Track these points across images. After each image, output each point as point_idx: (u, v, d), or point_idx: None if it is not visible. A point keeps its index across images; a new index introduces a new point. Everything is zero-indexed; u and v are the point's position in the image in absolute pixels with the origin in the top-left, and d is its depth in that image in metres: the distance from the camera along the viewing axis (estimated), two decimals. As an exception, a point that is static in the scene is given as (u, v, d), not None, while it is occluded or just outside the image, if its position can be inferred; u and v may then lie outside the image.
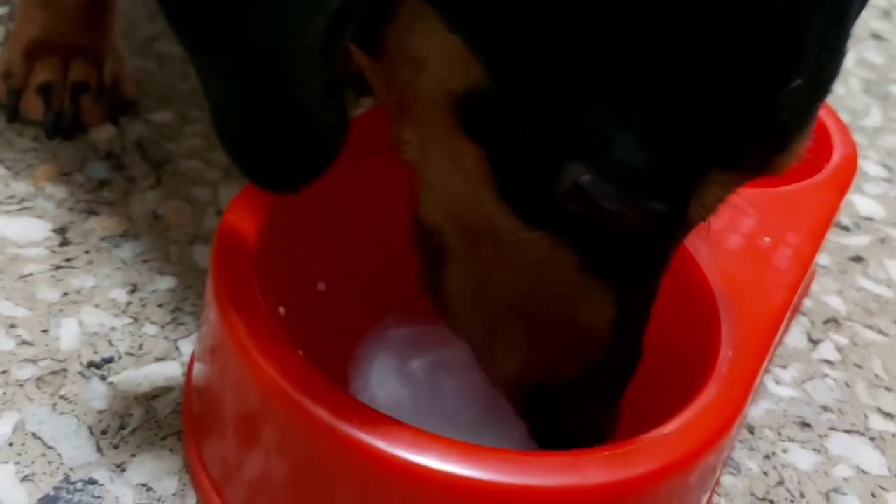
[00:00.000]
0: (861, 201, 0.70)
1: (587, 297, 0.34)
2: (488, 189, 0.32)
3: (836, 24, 0.29)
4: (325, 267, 0.45)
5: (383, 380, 0.45)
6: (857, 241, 0.66)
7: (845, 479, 0.48)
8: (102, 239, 0.52)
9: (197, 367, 0.43)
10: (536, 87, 0.28)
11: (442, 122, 0.32)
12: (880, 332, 0.58)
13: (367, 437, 0.33)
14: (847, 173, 0.55)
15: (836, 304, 0.59)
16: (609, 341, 0.35)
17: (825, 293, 0.60)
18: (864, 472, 0.48)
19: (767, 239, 0.46)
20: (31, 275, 0.49)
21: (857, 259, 0.64)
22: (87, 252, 0.51)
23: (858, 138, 0.77)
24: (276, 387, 0.34)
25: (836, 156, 0.56)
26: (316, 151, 0.34)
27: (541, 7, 0.27)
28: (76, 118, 0.59)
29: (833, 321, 0.58)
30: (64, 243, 0.52)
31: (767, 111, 0.28)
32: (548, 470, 0.32)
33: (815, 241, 0.48)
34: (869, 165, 0.75)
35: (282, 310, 0.41)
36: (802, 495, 0.46)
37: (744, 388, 0.38)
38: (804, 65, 0.28)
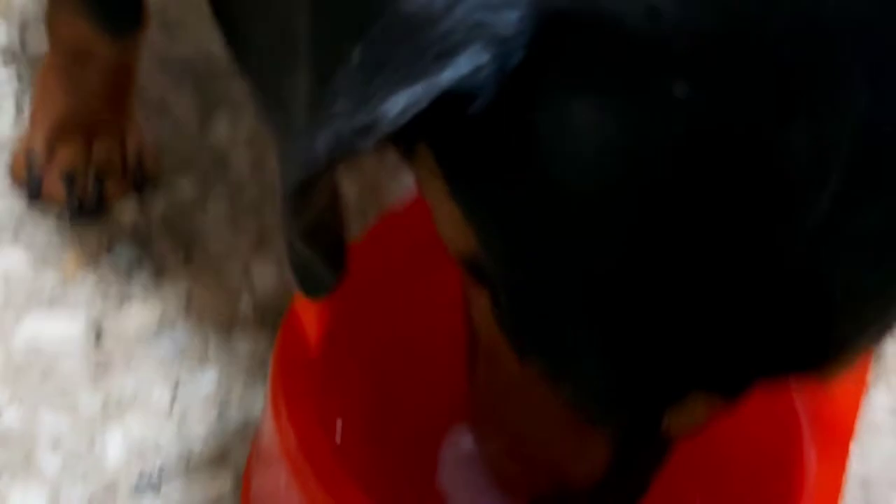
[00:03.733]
0: None
1: (582, 436, 0.33)
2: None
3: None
4: (381, 376, 0.44)
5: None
6: None
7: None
8: (138, 333, 0.51)
9: (256, 474, 0.42)
10: (511, 282, 0.28)
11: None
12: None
13: None
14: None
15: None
16: (600, 482, 0.34)
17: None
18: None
19: None
20: (70, 381, 0.48)
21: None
22: (124, 350, 0.50)
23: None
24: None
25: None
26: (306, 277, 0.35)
27: (521, 210, 0.27)
28: (100, 199, 0.57)
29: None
30: (99, 341, 0.51)
31: (742, 337, 0.26)
32: None
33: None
34: None
35: (339, 423, 0.40)
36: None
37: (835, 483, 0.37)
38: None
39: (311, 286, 0.36)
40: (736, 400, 0.29)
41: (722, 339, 0.26)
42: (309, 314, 0.40)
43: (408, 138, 0.28)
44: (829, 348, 0.28)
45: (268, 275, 0.56)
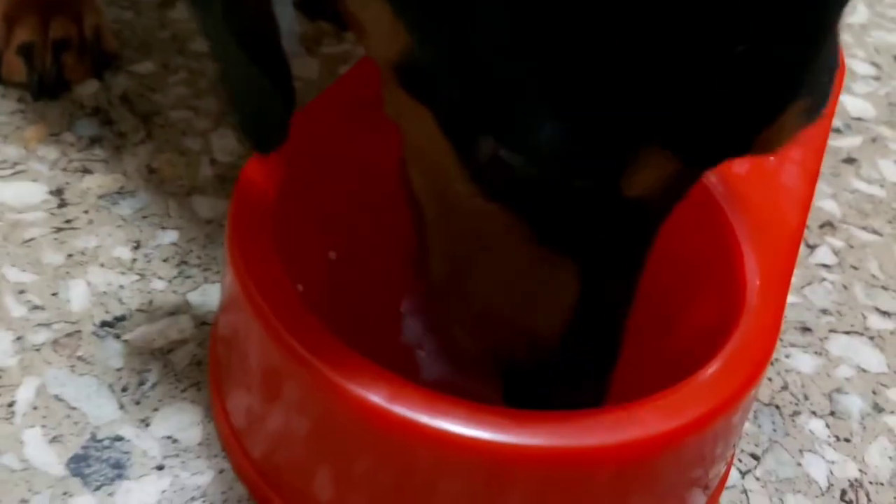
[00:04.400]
0: (850, 101, 0.70)
1: (548, 271, 0.32)
2: (446, 151, 0.31)
3: None
4: (336, 235, 0.45)
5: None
6: (849, 142, 0.66)
7: (847, 380, 0.49)
8: (100, 197, 0.52)
9: (222, 318, 0.43)
10: (455, 61, 0.28)
11: (393, 83, 0.31)
12: (875, 232, 0.58)
13: (383, 401, 0.33)
14: (838, 78, 0.55)
15: (830, 207, 0.60)
16: (573, 323, 0.33)
17: (819, 197, 0.60)
18: (864, 370, 0.50)
19: (772, 157, 0.46)
20: (33, 239, 0.49)
21: (850, 161, 0.64)
22: (86, 212, 0.51)
23: (845, 37, 0.77)
24: (294, 352, 0.34)
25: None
26: (250, 113, 0.34)
27: None
28: (60, 76, 0.58)
29: (828, 225, 0.59)
30: (62, 204, 0.52)
31: (699, 89, 0.26)
32: (604, 427, 0.32)
33: (819, 153, 0.48)
34: (857, 64, 0.74)
35: (300, 287, 0.41)
36: (806, 397, 0.48)
37: (775, 315, 0.38)
38: (748, 26, 0.25)
39: (257, 133, 0.35)
40: (691, 164, 0.29)
41: (672, 90, 0.26)
42: (261, 175, 0.40)
43: None
44: (769, 113, 0.28)
45: (228, 146, 0.57)
